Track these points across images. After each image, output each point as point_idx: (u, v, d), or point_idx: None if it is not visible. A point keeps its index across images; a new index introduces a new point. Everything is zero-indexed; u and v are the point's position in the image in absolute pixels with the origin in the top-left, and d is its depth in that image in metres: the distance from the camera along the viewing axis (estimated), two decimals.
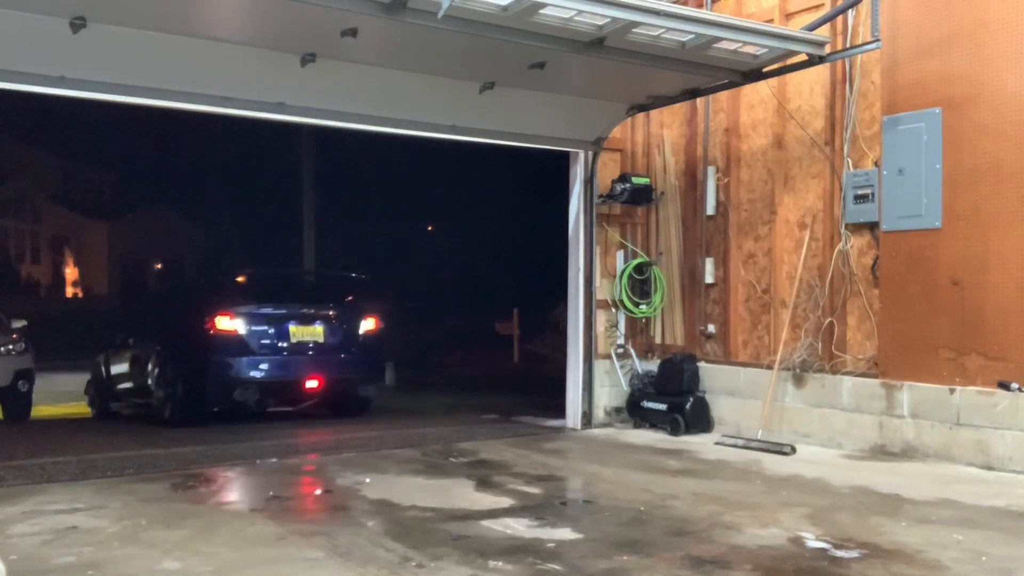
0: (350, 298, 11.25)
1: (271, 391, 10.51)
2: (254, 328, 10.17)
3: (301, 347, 10.36)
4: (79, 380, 14.91)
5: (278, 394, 10.65)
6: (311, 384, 10.41)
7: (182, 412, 10.32)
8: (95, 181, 48.03)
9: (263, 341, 10.21)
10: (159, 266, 45.38)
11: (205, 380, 10.20)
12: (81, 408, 14.53)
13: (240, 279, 11.65)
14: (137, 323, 12.56)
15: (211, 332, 10.14)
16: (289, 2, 6.04)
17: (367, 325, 10.97)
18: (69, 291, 45.71)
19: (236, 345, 10.12)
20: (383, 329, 11.25)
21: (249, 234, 36.99)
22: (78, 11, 6.40)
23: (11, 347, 13.08)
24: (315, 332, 10.45)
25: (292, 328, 10.32)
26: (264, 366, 10.23)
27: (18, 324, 13.82)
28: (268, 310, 10.36)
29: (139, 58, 6.94)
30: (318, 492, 6.55)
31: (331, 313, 10.70)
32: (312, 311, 10.55)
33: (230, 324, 10.11)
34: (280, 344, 10.27)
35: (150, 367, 11.03)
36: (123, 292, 42.20)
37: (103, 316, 23.36)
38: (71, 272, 46.93)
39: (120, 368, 12.14)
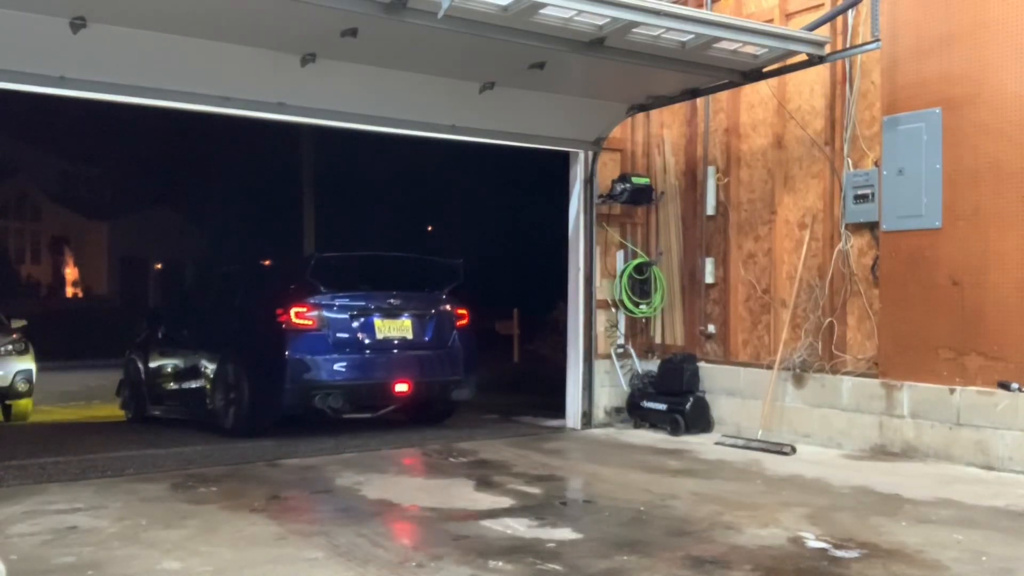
0: (443, 287, 9.88)
1: (354, 396, 9.04)
2: (335, 321, 8.87)
3: (387, 344, 9.12)
4: (80, 380, 14.88)
5: (362, 399, 9.21)
6: (400, 388, 9.07)
7: (248, 420, 9.04)
8: (95, 181, 48.03)
9: (344, 336, 8.92)
10: (159, 266, 45.39)
11: (278, 383, 8.80)
12: (86, 410, 14.47)
13: (318, 264, 9.57)
14: (184, 315, 11.09)
15: (286, 326, 8.75)
16: (289, 2, 6.04)
17: (462, 318, 9.72)
18: (69, 291, 45.73)
19: (315, 341, 8.78)
20: (474, 323, 9.98)
21: (249, 234, 37.00)
22: (78, 11, 6.40)
23: (11, 347, 13.08)
24: (403, 327, 9.22)
25: (377, 322, 9.07)
26: (346, 366, 8.93)
27: (18, 324, 13.83)
28: (350, 300, 9.05)
29: (139, 58, 6.95)
30: (318, 492, 6.55)
31: (421, 305, 9.44)
32: (399, 303, 9.28)
33: (308, 317, 8.79)
34: (365, 341, 9.01)
35: (204, 367, 9.70)
36: (123, 291, 42.21)
37: (101, 316, 23.28)
38: (71, 272, 46.94)
39: (163, 367, 10.73)
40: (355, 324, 8.95)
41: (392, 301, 9.24)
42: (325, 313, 8.85)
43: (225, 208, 39.89)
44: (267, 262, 11.32)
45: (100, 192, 47.86)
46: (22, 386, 13.02)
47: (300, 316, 8.76)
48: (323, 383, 8.77)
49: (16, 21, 6.36)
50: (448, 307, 9.66)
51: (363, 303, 9.09)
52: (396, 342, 9.17)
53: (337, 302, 8.95)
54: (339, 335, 8.88)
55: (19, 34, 6.47)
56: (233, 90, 7.52)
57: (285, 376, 8.74)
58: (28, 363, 13.23)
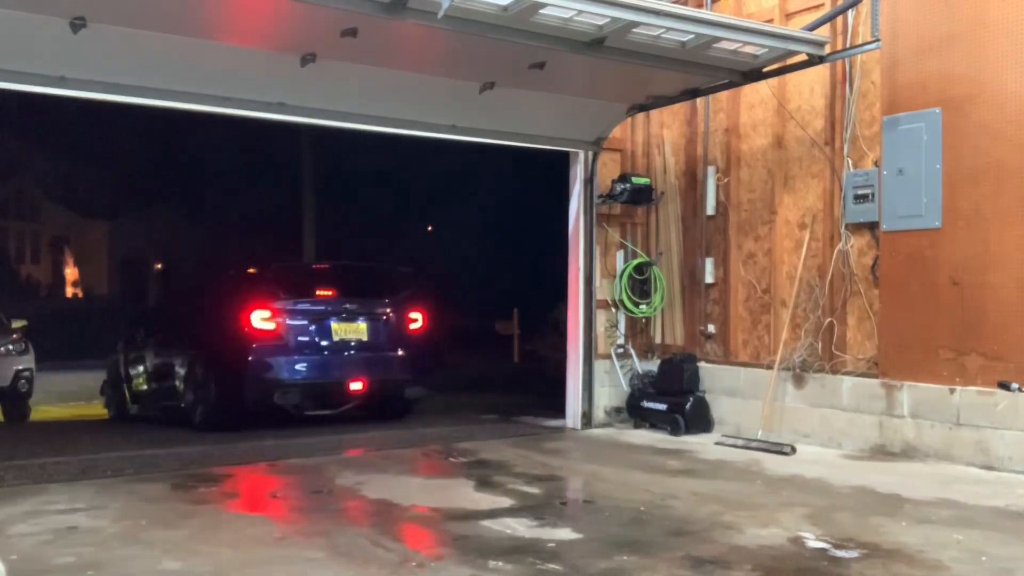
0: (397, 293, 10.46)
1: (312, 394, 9.72)
2: (294, 325, 9.50)
3: (343, 346, 9.70)
4: (79, 380, 14.89)
5: (320, 397, 9.85)
6: (355, 386, 9.70)
7: (215, 417, 9.65)
8: (95, 181, 48.04)
9: (303, 338, 9.53)
10: (159, 266, 45.39)
11: (241, 382, 9.44)
12: (85, 409, 14.50)
13: (278, 272, 10.65)
14: (160, 319, 11.85)
15: (248, 330, 9.35)
16: (289, 2, 6.04)
17: (415, 322, 10.25)
18: (69, 291, 45.73)
19: (276, 344, 9.42)
20: (433, 326, 10.55)
21: (250, 233, 37.00)
22: (78, 11, 6.39)
23: (11, 347, 13.08)
24: (358, 330, 9.78)
25: (334, 325, 9.65)
26: (304, 366, 9.54)
27: (18, 324, 13.83)
28: (306, 304, 9.67)
29: (139, 58, 6.94)
30: (318, 492, 6.55)
31: (376, 309, 9.99)
32: (355, 307, 9.84)
33: (268, 320, 9.41)
34: (322, 343, 9.60)
35: (177, 367, 10.33)
36: (123, 291, 42.22)
37: (102, 316, 23.30)
38: (71, 272, 46.94)
39: (141, 368, 11.43)
40: (313, 327, 9.54)
41: (348, 306, 9.80)
42: (285, 317, 9.45)
43: (225, 208, 39.89)
44: (232, 270, 11.93)
45: (100, 192, 47.86)
46: (22, 386, 13.03)
47: (262, 320, 9.36)
48: (283, 382, 9.38)
49: (16, 21, 6.35)
50: (402, 311, 10.17)
51: (321, 308, 9.70)
52: (352, 344, 9.71)
53: (296, 307, 9.56)
54: (298, 338, 9.49)
55: (19, 34, 6.47)
56: (233, 90, 7.52)
57: (247, 375, 9.36)
58: (28, 363, 13.23)
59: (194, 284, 12.49)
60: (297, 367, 9.49)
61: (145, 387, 11.35)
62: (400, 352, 10.06)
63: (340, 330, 9.62)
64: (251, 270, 11.18)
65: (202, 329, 10.19)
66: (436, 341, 10.66)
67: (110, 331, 14.30)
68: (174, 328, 10.96)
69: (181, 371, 10.21)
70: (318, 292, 9.88)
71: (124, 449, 8.55)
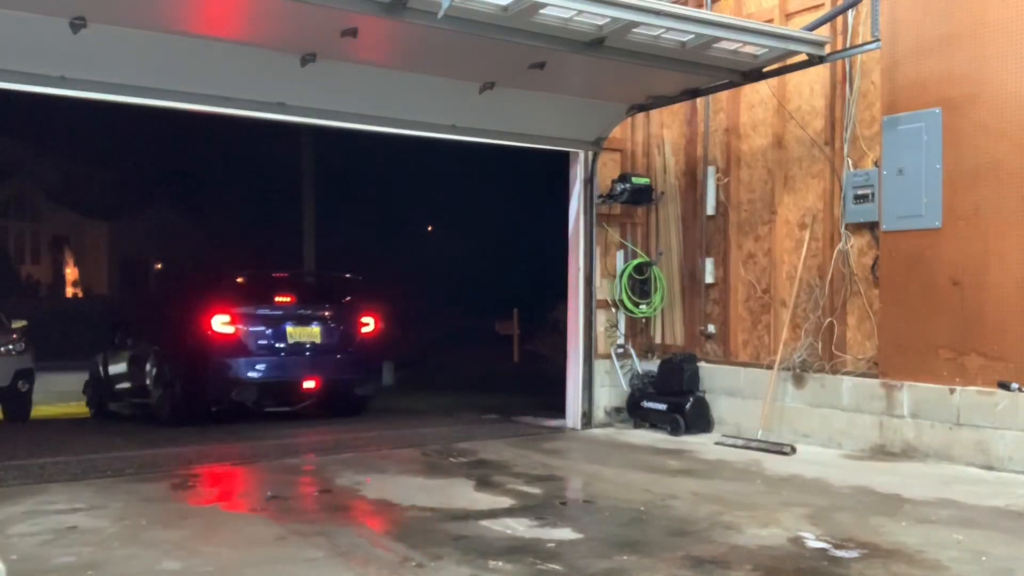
0: (347, 299, 11.28)
1: (268, 391, 10.51)
2: (251, 328, 10.22)
3: (298, 348, 10.41)
4: (79, 380, 14.92)
5: (276, 394, 10.65)
6: (308, 384, 10.45)
7: (180, 412, 10.36)
8: (95, 181, 48.03)
9: (260, 341, 10.26)
10: (159, 266, 45.38)
11: (203, 380, 10.21)
12: (81, 408, 14.54)
13: (238, 279, 11.45)
14: (135, 324, 12.54)
15: (209, 333, 10.14)
16: (289, 2, 6.04)
17: (366, 326, 10.99)
18: (69, 291, 45.72)
19: (234, 345, 10.15)
20: (384, 329, 11.27)
21: (250, 234, 36.99)
22: (78, 11, 6.40)
23: (11, 347, 13.08)
24: (312, 333, 10.50)
25: (289, 329, 10.37)
26: (261, 366, 10.25)
27: (18, 324, 13.83)
28: (265, 309, 10.41)
29: (139, 58, 6.95)
30: (318, 492, 6.55)
31: (328, 314, 10.69)
32: (309, 312, 10.59)
33: (227, 325, 10.16)
34: (277, 345, 10.33)
35: (148, 367, 11.07)
36: (123, 292, 42.21)
37: (100, 317, 23.34)
38: (71, 272, 46.94)
39: (118, 368, 12.19)
40: (269, 331, 10.27)
41: (303, 311, 10.57)
42: (243, 321, 10.20)
43: (225, 208, 39.89)
44: (196, 278, 12.35)
45: (100, 192, 47.85)
46: (22, 386, 13.03)
47: (222, 324, 10.13)
48: (241, 380, 10.14)
49: (16, 21, 6.36)
50: (353, 315, 10.94)
51: (277, 312, 10.44)
52: (307, 345, 10.47)
53: (253, 312, 10.30)
54: (256, 340, 10.23)
55: (19, 34, 6.47)
56: (233, 90, 7.52)
57: (208, 375, 10.14)
58: (28, 363, 13.23)
59: (163, 290, 13.79)
60: (254, 367, 10.20)
61: (120, 386, 12.12)
62: (351, 353, 10.72)
63: (295, 333, 10.38)
64: (213, 278, 12.03)
65: (169, 332, 10.93)
66: (385, 343, 11.53)
67: (103, 333, 14.58)
68: (145, 332, 11.73)
69: (151, 371, 10.96)
70: (276, 298, 10.64)
71: (124, 449, 8.56)
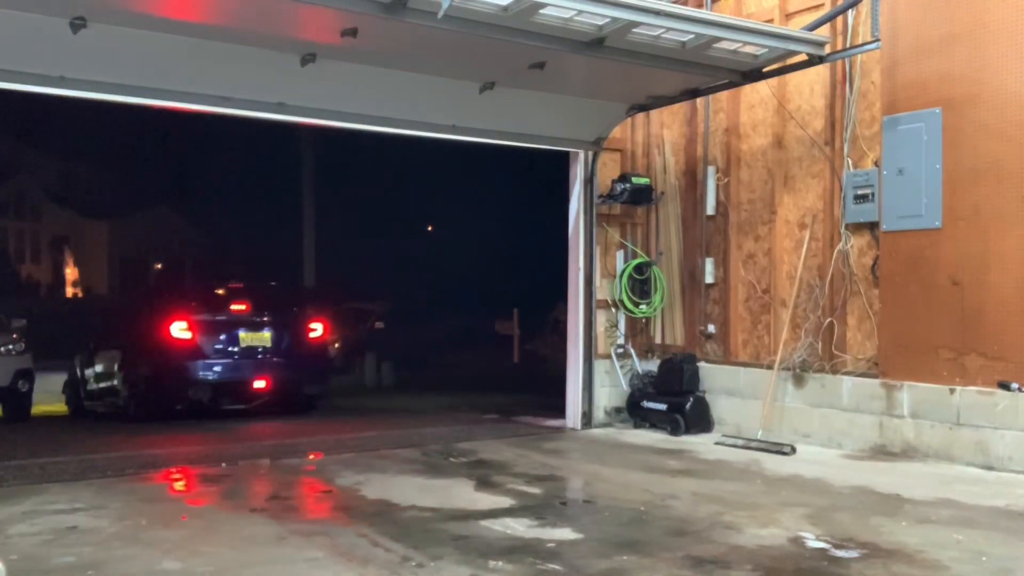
0: (297, 307, 12.53)
1: (223, 391, 11.41)
2: (207, 334, 11.22)
3: (250, 351, 11.38)
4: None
5: (230, 393, 11.52)
6: (259, 384, 11.35)
7: (144, 410, 11.27)
8: (95, 181, 48.01)
9: (216, 346, 11.25)
10: (159, 266, 45.38)
11: (163, 381, 11.19)
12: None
13: (195, 290, 12.73)
14: (105, 329, 13.48)
15: (168, 338, 11.13)
16: (289, 2, 6.04)
17: (314, 331, 12.02)
18: (69, 291, 45.69)
19: (191, 349, 11.13)
20: (331, 334, 12.59)
21: (250, 234, 36.98)
22: (78, 11, 6.40)
23: (11, 347, 13.06)
24: (263, 338, 11.44)
25: (242, 334, 11.33)
26: (216, 368, 11.22)
27: (18, 324, 13.81)
28: (220, 316, 11.43)
29: (139, 58, 6.95)
30: (318, 492, 6.55)
31: (278, 320, 11.66)
32: (260, 319, 11.53)
33: (185, 331, 11.17)
34: (231, 348, 11.30)
35: (116, 369, 12.01)
36: (123, 292, 42.20)
37: (77, 322, 23.50)
38: (71, 272, 46.91)
39: (92, 370, 12.95)
40: (224, 336, 11.25)
41: (255, 318, 11.52)
42: (200, 327, 11.19)
43: (225, 208, 39.88)
44: (159, 288, 13.21)
45: (100, 192, 47.84)
46: (22, 386, 13.02)
47: (180, 330, 11.12)
48: (198, 381, 11.11)
49: (16, 21, 6.36)
50: (302, 322, 12.00)
51: (231, 319, 11.42)
52: (258, 349, 11.42)
53: (209, 319, 11.30)
54: (212, 344, 11.22)
55: (19, 34, 6.47)
56: (233, 90, 7.52)
57: (168, 376, 11.11)
58: (28, 363, 13.22)
59: (130, 299, 15.30)
60: (210, 369, 11.20)
61: (94, 387, 12.93)
62: (300, 356, 11.69)
63: (247, 338, 11.36)
64: (173, 288, 13.20)
65: (134, 338, 11.85)
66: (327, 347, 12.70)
67: (79, 337, 15.14)
68: (115, 336, 12.67)
69: (120, 372, 11.92)
70: (230, 306, 11.66)
71: (124, 449, 8.56)
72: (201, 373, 11.09)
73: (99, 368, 12.62)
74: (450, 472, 7.23)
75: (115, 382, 11.99)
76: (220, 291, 12.34)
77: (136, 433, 10.05)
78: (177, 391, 11.19)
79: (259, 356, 11.38)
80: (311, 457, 8.08)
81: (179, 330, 11.09)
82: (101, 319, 13.95)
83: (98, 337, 13.27)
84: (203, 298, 12.00)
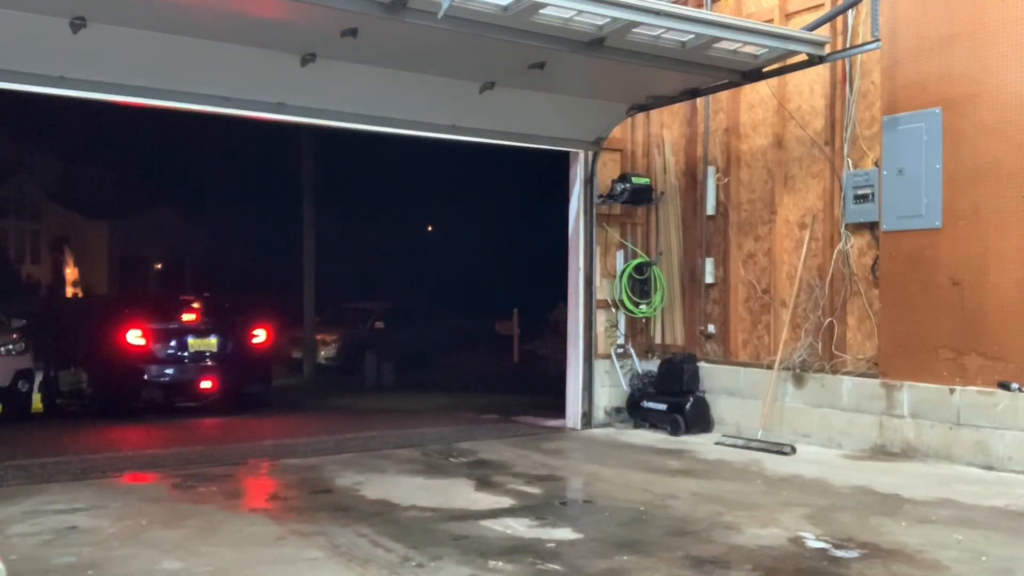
0: (242, 316, 13.73)
1: (173, 390, 12.66)
2: (160, 340, 12.49)
3: (199, 355, 12.63)
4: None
5: (180, 393, 12.72)
6: (206, 385, 12.53)
7: (106, 407, 12.43)
8: (95, 181, 47.98)
9: (168, 351, 12.50)
10: (159, 266, 45.37)
11: (121, 382, 12.47)
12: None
13: (150, 301, 14.62)
14: (74, 335, 14.54)
15: (125, 344, 12.39)
16: (289, 2, 6.04)
17: (256, 337, 13.29)
18: (69, 291, 45.66)
19: (146, 354, 12.41)
20: (274, 340, 14.00)
21: (250, 234, 36.96)
22: (78, 11, 6.40)
23: (11, 347, 13.07)
24: (209, 343, 12.65)
25: (191, 340, 12.58)
26: (168, 370, 12.52)
27: (18, 324, 13.83)
28: (172, 325, 12.68)
29: (139, 58, 6.95)
30: (318, 492, 6.55)
31: (224, 328, 12.94)
32: (208, 326, 12.81)
33: (140, 338, 12.46)
34: (181, 353, 12.56)
35: (83, 371, 13.35)
36: (123, 292, 42.17)
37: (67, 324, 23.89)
38: (71, 272, 46.88)
39: (64, 372, 14.22)
40: (174, 341, 12.48)
41: (202, 325, 12.78)
42: (153, 334, 12.42)
43: (225, 208, 39.87)
44: (116, 297, 15.65)
45: (100, 192, 47.80)
46: (22, 386, 13.03)
47: (135, 337, 12.38)
48: (151, 382, 12.43)
49: (16, 21, 6.36)
50: (246, 329, 13.19)
51: (181, 326, 12.68)
52: (206, 353, 12.64)
53: (161, 327, 12.54)
54: (164, 350, 12.46)
55: (19, 34, 6.47)
56: (233, 90, 7.52)
57: (125, 378, 12.35)
58: (28, 363, 13.23)
59: (96, 308, 16.96)
60: (162, 371, 12.49)
61: (65, 386, 14.10)
62: (243, 359, 12.89)
63: (195, 344, 12.57)
64: (130, 299, 14.85)
65: (98, 343, 13.05)
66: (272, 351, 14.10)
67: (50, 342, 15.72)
68: (82, 341, 13.72)
69: (85, 374, 13.27)
70: (181, 315, 12.93)
71: (124, 449, 8.56)
72: (154, 375, 12.42)
73: (70, 370, 13.98)
74: (450, 472, 7.23)
75: (82, 383, 13.34)
76: (172, 302, 14.13)
77: (133, 433, 10.06)
78: (134, 391, 12.52)
79: (206, 359, 12.63)
80: (311, 457, 8.06)
81: (135, 337, 12.40)
82: (69, 326, 14.71)
83: (69, 342, 14.50)
84: (157, 308, 13.59)
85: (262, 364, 13.47)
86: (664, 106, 9.15)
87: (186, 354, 12.55)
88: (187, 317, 12.88)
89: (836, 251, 8.14)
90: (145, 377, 12.35)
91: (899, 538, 5.08)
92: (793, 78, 8.38)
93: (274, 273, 28.94)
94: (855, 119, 8.02)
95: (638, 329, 10.06)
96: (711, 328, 9.39)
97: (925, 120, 7.41)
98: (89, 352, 13.18)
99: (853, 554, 4.79)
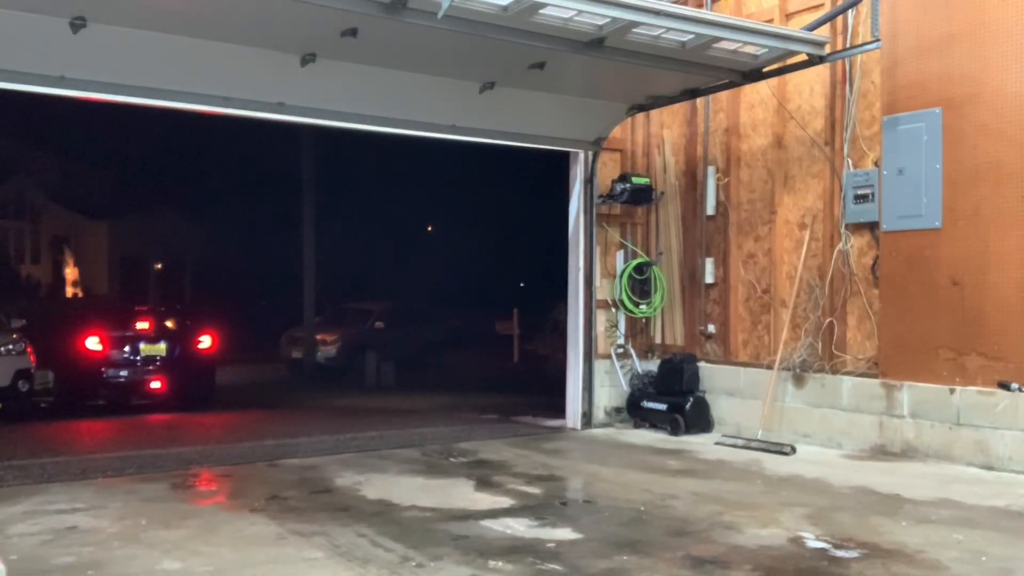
0: (189, 323, 15.25)
1: (128, 390, 13.97)
2: (115, 345, 13.84)
3: (150, 359, 13.99)
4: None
5: (133, 392, 14.02)
6: (155, 385, 13.93)
7: (68, 406, 13.67)
8: (95, 181, 47.97)
9: (123, 355, 13.86)
10: (159, 266, 45.36)
11: (80, 383, 14.00)
12: None
13: (107, 309, 17.92)
14: (44, 340, 15.68)
15: (83, 349, 13.75)
16: (289, 2, 6.04)
17: (202, 343, 14.71)
18: (69, 291, 45.66)
19: (101, 357, 13.74)
20: (219, 344, 15.41)
21: (250, 234, 36.96)
22: (78, 11, 6.40)
23: (11, 347, 13.09)
24: (159, 348, 14.05)
25: (143, 346, 13.94)
26: (123, 372, 13.87)
27: (18, 324, 13.87)
28: (127, 332, 14.08)
29: (139, 58, 6.95)
30: (318, 492, 6.54)
31: (172, 334, 14.41)
32: (158, 333, 14.26)
33: (97, 344, 13.79)
34: (134, 357, 13.92)
35: (50, 373, 14.85)
36: (123, 292, 42.18)
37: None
38: (71, 272, 46.87)
39: (37, 372, 15.30)
40: (128, 347, 13.91)
41: (153, 332, 14.27)
42: (109, 341, 13.83)
43: (226, 208, 39.86)
44: (77, 309, 17.21)
45: (100, 192, 47.78)
46: (22, 386, 13.05)
47: (94, 343, 13.75)
48: (107, 383, 13.86)
49: (16, 21, 6.36)
50: (193, 335, 14.69)
51: (133, 333, 14.12)
52: (156, 358, 14.08)
53: (117, 333, 14.00)
54: (119, 354, 13.88)
55: (19, 34, 6.47)
56: (233, 90, 7.52)
57: (84, 379, 13.87)
58: (27, 362, 13.25)
59: (62, 315, 18.68)
60: (117, 373, 13.87)
61: (38, 386, 15.30)
62: (189, 362, 14.32)
63: (147, 349, 14.00)
64: (88, 309, 17.12)
65: (61, 349, 14.42)
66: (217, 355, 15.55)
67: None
68: (50, 345, 14.97)
69: (51, 376, 14.89)
70: (135, 323, 14.34)
71: (124, 449, 8.56)
72: (109, 376, 13.80)
73: (41, 372, 15.29)
74: (450, 472, 7.23)
75: (49, 384, 14.94)
76: (127, 312, 15.49)
77: (132, 432, 10.06)
78: (92, 390, 14.00)
79: (156, 363, 14.02)
80: (311, 457, 8.06)
81: (93, 343, 13.79)
82: (42, 330, 15.90)
83: (40, 345, 15.60)
84: (113, 317, 14.96)
85: (207, 367, 14.89)
86: (664, 106, 9.15)
87: (138, 358, 13.95)
88: (140, 325, 14.34)
89: (836, 251, 8.14)
90: (103, 378, 13.76)
91: (899, 538, 5.08)
92: (793, 78, 8.38)
93: (274, 273, 28.97)
94: (855, 119, 8.02)
95: (638, 329, 10.06)
96: (711, 328, 9.39)
97: (925, 120, 7.41)
98: (55, 355, 14.58)
99: (853, 554, 4.79)
